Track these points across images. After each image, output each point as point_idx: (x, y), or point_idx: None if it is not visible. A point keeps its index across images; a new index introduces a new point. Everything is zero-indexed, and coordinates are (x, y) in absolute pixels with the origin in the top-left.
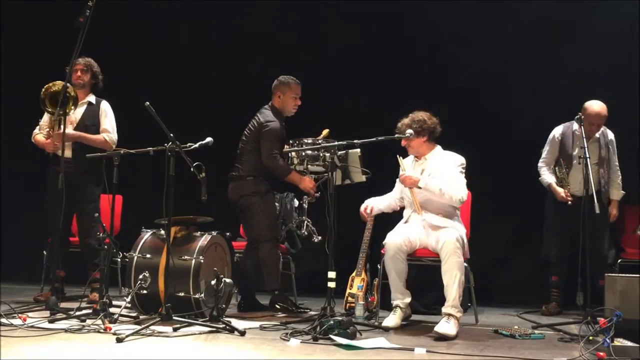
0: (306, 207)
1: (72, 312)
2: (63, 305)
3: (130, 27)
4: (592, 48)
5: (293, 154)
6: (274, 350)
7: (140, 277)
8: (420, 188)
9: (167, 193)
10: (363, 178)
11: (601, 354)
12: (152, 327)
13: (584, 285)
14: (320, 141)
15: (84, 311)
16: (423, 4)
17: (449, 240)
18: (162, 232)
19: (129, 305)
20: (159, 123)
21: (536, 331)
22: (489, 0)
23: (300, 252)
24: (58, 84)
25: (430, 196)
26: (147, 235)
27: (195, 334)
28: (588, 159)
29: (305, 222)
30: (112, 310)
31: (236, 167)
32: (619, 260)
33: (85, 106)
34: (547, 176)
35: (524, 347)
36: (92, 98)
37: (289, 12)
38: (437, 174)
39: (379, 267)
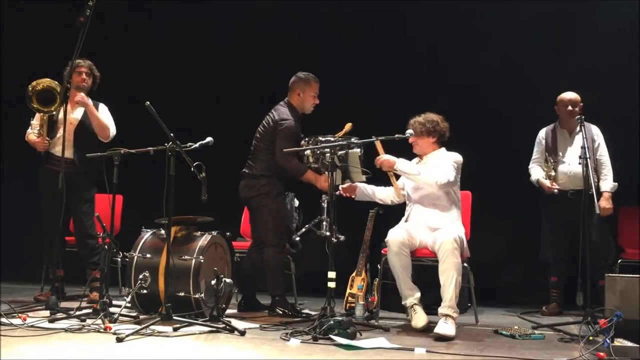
0: (325, 206)
1: (72, 312)
2: (63, 305)
3: (130, 27)
4: (592, 48)
5: (308, 152)
6: (274, 350)
7: (141, 276)
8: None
9: (167, 193)
10: (363, 178)
11: (601, 354)
12: (152, 327)
13: (584, 285)
14: (339, 136)
15: (84, 311)
16: (423, 4)
17: (446, 241)
18: (162, 231)
19: (129, 305)
20: (159, 123)
21: (536, 331)
22: (489, 0)
23: (300, 252)
24: (43, 82)
25: (424, 192)
26: (147, 235)
27: (195, 333)
28: (588, 159)
29: (325, 221)
30: (112, 310)
31: (249, 165)
32: (619, 261)
33: (84, 108)
34: (535, 172)
35: (524, 347)
36: (90, 101)
37: (289, 12)
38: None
39: (379, 267)
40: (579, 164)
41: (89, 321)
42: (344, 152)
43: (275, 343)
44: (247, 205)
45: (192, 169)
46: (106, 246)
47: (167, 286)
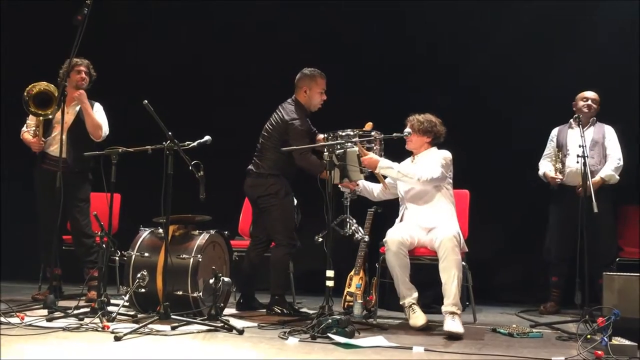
0: (347, 204)
1: (70, 311)
2: (61, 303)
3: (130, 27)
4: (592, 48)
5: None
6: (272, 349)
7: (139, 275)
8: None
9: (165, 191)
10: (361, 177)
11: (599, 352)
12: (150, 326)
13: (582, 284)
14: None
15: (82, 310)
16: (423, 4)
17: (446, 238)
18: (160, 230)
19: (127, 303)
20: (157, 121)
21: (534, 330)
22: (489, 0)
23: (299, 251)
24: (39, 85)
25: (415, 191)
26: (145, 233)
27: (193, 332)
28: (586, 158)
29: (348, 220)
30: (110, 308)
31: (255, 163)
32: (617, 259)
33: (79, 107)
34: (543, 167)
35: (522, 346)
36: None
37: (289, 12)
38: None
39: (377, 266)
40: (577, 162)
41: (87, 320)
42: (342, 150)
43: (274, 342)
44: (253, 205)
45: (190, 167)
46: (104, 245)
47: (165, 285)
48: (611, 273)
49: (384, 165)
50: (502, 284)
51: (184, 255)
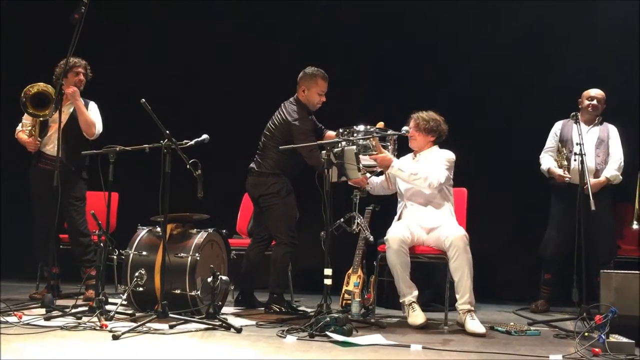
0: (357, 202)
1: (68, 310)
2: (59, 302)
3: (130, 27)
4: (592, 48)
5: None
6: (270, 347)
7: (136, 274)
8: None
9: (163, 190)
10: (359, 175)
11: (596, 350)
12: (148, 325)
13: (579, 281)
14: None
15: (80, 309)
16: (423, 4)
17: (457, 237)
18: (158, 229)
19: (125, 302)
20: (154, 120)
21: (532, 328)
22: (489, 0)
23: (297, 249)
24: (37, 86)
25: (416, 189)
26: (143, 232)
27: (191, 331)
28: (584, 156)
29: (356, 218)
30: (108, 307)
31: (257, 162)
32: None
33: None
34: (546, 162)
35: (520, 344)
36: (81, 99)
37: (289, 12)
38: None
39: (375, 264)
40: (575, 160)
41: (84, 319)
42: (339, 149)
43: (272, 340)
44: (255, 203)
45: (187, 166)
46: (102, 244)
47: (163, 284)
48: (609, 271)
49: (397, 166)
50: (500, 282)
51: (181, 254)
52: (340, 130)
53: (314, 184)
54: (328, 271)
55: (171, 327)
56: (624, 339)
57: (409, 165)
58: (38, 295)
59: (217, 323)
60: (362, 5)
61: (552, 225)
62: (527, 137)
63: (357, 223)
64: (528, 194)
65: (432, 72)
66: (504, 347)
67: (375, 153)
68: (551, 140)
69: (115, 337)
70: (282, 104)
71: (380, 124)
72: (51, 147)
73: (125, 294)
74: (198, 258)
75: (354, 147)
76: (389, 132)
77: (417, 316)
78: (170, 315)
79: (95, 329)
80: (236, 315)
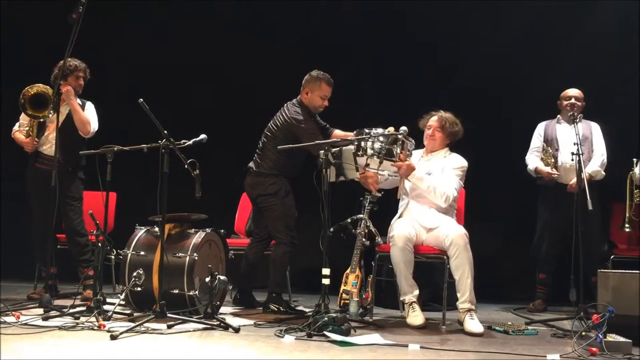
0: (366, 205)
1: (65, 310)
2: (57, 302)
3: (130, 27)
4: (592, 48)
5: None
6: (268, 347)
7: (134, 274)
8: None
9: (161, 190)
10: (357, 175)
11: (594, 349)
12: (146, 325)
13: (576, 281)
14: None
15: (78, 308)
16: (423, 4)
17: (458, 236)
18: (156, 229)
19: (123, 302)
20: (152, 120)
21: (530, 327)
22: (489, 0)
23: (295, 249)
24: (36, 87)
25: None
26: (141, 232)
27: (189, 331)
28: (581, 156)
29: (364, 221)
30: (106, 307)
31: (256, 162)
32: (612, 257)
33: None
34: (532, 161)
35: (518, 343)
36: (78, 100)
37: (289, 12)
38: (437, 172)
39: (373, 264)
40: (572, 160)
41: (82, 319)
42: (337, 149)
43: (270, 340)
44: (253, 203)
45: (185, 166)
46: (99, 244)
47: (161, 283)
48: (606, 270)
49: (418, 176)
50: (498, 281)
51: (180, 254)
52: (354, 132)
53: (312, 184)
54: (326, 271)
55: (169, 327)
56: (621, 339)
57: (427, 178)
58: (36, 295)
59: (215, 323)
60: (362, 5)
61: (541, 225)
62: (527, 137)
63: (363, 226)
64: (527, 194)
65: (432, 72)
66: (501, 347)
67: (395, 160)
68: (536, 141)
69: (113, 337)
70: (285, 105)
71: (390, 129)
72: (48, 147)
73: (123, 294)
74: (196, 258)
75: (352, 147)
76: (386, 130)
77: (416, 316)
78: (168, 315)
79: (93, 329)
80: (234, 314)
